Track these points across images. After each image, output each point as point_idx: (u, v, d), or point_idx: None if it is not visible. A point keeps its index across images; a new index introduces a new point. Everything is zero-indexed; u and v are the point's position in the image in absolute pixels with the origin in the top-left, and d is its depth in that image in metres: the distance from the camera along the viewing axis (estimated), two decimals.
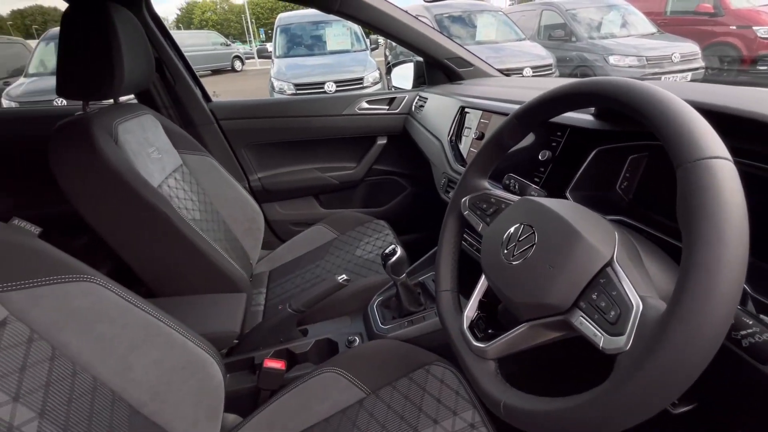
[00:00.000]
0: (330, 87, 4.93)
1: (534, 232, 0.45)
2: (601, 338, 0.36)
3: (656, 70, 4.73)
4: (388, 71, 6.87)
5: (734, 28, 5.52)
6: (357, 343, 0.94)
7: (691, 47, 5.00)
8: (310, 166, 1.60)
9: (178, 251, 0.90)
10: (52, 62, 5.49)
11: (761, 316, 0.40)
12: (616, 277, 0.37)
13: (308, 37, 5.88)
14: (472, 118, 0.99)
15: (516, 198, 0.56)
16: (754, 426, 0.46)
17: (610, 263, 0.39)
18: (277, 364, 0.85)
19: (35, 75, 5.37)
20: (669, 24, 6.05)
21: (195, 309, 0.89)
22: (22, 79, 5.38)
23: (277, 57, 5.52)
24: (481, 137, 0.93)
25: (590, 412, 0.33)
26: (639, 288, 0.36)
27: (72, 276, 0.56)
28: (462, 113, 1.05)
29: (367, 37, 5.97)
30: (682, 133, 0.33)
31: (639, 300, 0.35)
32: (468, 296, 0.82)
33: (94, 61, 0.84)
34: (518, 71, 4.66)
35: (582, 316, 0.38)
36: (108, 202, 0.84)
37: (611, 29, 5.50)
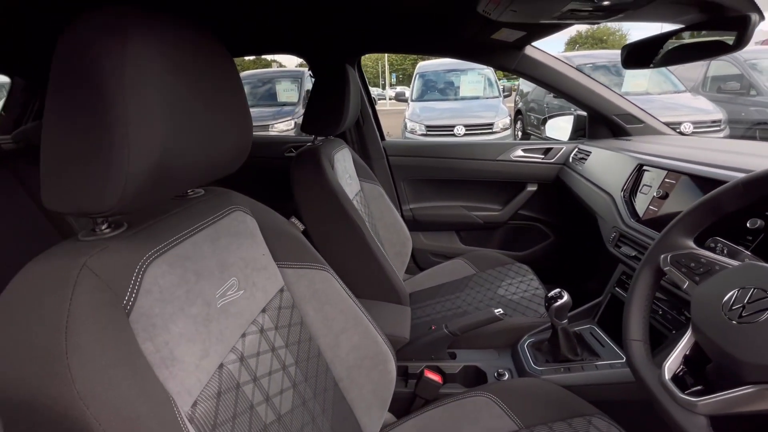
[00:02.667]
0: (459, 130, 5.16)
1: None
2: None
3: None
4: (516, 117, 6.89)
5: None
6: (506, 378, 0.97)
7: None
8: (457, 203, 1.73)
9: (363, 258, 1.09)
10: None
11: None
12: None
13: (443, 82, 6.28)
14: (653, 177, 0.99)
15: (733, 262, 0.56)
16: None
17: None
18: (435, 377, 0.94)
19: None
20: None
21: (371, 311, 1.05)
22: None
23: (413, 100, 6.03)
24: (664, 197, 0.92)
25: None
26: None
27: (318, 265, 0.75)
28: (639, 170, 1.05)
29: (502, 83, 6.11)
30: None
31: None
32: (614, 335, 0.81)
33: (330, 107, 1.11)
34: (672, 126, 4.19)
35: None
36: (322, 210, 1.07)
37: None
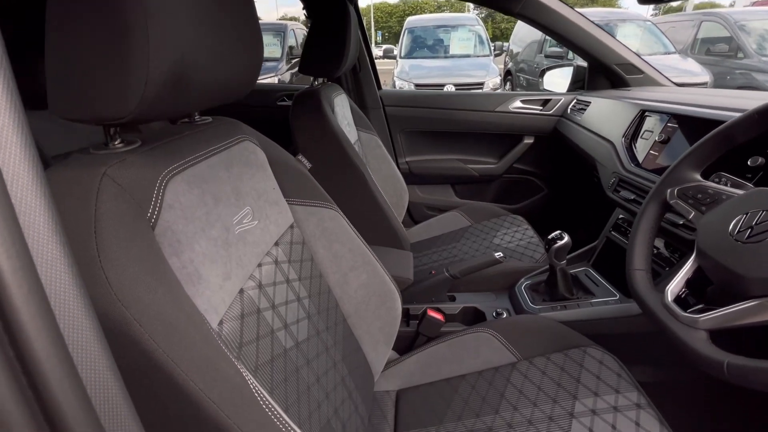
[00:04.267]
0: (449, 89, 5.05)
1: None
2: None
3: None
4: (506, 78, 6.78)
5: None
6: (504, 317, 1.02)
7: None
8: (453, 156, 1.72)
9: (365, 202, 1.08)
10: None
11: None
12: None
13: (432, 39, 6.06)
14: (654, 122, 1.00)
15: (739, 192, 0.58)
16: None
17: None
18: (437, 315, 0.97)
19: None
20: None
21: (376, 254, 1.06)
22: None
23: (402, 57, 5.82)
24: (665, 141, 0.93)
25: None
26: None
27: (326, 203, 0.74)
28: (642, 117, 1.06)
29: (492, 43, 5.94)
30: None
31: None
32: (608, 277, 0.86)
33: (331, 47, 1.06)
34: None
35: None
36: (324, 153, 1.05)
37: None
